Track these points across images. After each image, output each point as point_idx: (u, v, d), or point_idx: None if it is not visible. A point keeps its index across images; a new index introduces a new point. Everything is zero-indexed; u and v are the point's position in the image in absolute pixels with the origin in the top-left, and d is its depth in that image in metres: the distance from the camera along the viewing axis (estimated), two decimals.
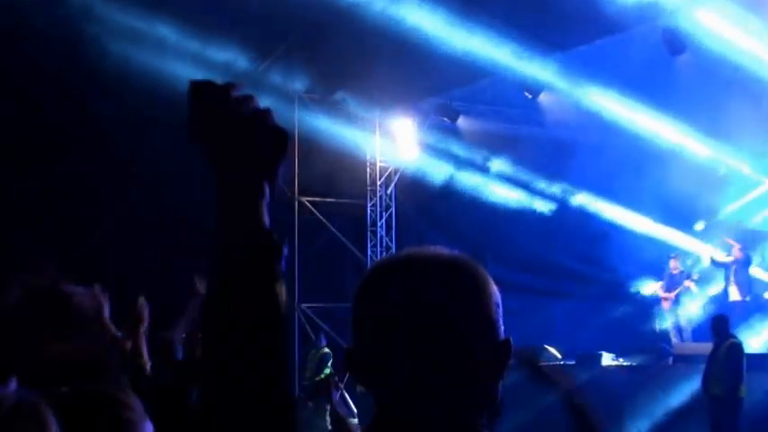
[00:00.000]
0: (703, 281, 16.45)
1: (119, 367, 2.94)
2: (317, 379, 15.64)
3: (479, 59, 14.68)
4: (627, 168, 16.49)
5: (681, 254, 16.59)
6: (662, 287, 16.17)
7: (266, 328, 1.38)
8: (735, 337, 11.76)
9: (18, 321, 2.53)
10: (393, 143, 18.87)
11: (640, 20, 13.59)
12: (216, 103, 1.45)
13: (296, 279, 17.85)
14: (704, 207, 17.32)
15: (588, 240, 17.58)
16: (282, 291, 1.44)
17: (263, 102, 1.54)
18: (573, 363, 14.97)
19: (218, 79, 1.50)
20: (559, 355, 15.68)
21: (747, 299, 15.34)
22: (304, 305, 17.90)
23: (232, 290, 1.40)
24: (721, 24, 14.07)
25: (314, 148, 17.06)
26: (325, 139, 17.17)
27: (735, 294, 15.42)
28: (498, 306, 1.43)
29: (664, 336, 15.90)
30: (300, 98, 17.52)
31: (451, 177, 18.73)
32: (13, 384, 1.76)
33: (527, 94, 17.21)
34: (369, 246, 18.87)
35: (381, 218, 19.12)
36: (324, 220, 18.05)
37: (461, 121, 18.74)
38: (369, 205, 19.05)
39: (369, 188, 19.04)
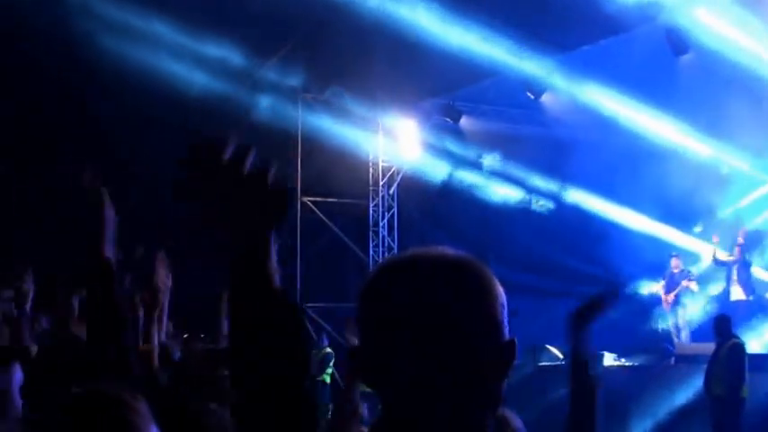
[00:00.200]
0: (704, 280, 16.43)
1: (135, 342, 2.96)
2: (319, 379, 15.64)
3: (482, 60, 14.69)
4: (629, 168, 16.47)
5: (682, 253, 16.57)
6: (663, 287, 16.15)
7: (292, 381, 1.43)
8: (737, 338, 11.74)
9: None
10: (395, 143, 18.88)
11: (642, 20, 13.59)
12: (213, 165, 1.43)
13: (298, 279, 17.86)
14: (706, 207, 17.30)
15: (590, 240, 17.56)
16: (303, 342, 1.47)
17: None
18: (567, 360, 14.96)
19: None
20: (561, 356, 15.67)
21: (750, 298, 15.33)
22: (306, 305, 17.90)
23: (255, 348, 1.43)
24: (722, 24, 14.07)
25: (316, 148, 17.07)
26: (328, 139, 17.19)
27: (738, 294, 15.39)
28: (503, 307, 1.43)
29: (666, 336, 15.88)
30: (303, 98, 17.53)
31: (454, 177, 18.74)
32: (17, 372, 1.77)
33: (529, 94, 17.22)
34: (371, 246, 18.87)
35: (383, 218, 19.12)
36: (326, 220, 18.05)
37: (464, 122, 18.75)
38: (371, 205, 19.05)
39: (371, 188, 19.04)
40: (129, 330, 2.53)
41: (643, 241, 17.31)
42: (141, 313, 3.74)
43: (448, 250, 1.45)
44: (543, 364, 15.21)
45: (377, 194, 19.08)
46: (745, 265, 15.48)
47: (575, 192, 18.49)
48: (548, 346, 15.59)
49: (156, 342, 3.81)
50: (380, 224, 19.07)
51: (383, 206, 19.16)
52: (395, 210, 19.29)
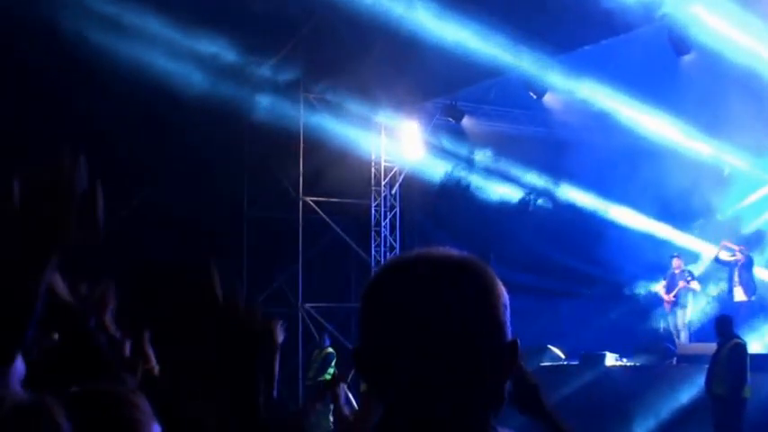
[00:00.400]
0: (705, 281, 16.42)
1: (123, 367, 2.94)
2: (320, 379, 15.63)
3: (483, 60, 14.69)
4: (630, 168, 16.49)
5: (683, 253, 16.56)
6: (664, 287, 16.14)
7: None
8: (739, 338, 11.72)
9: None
10: (398, 143, 18.88)
11: (644, 20, 13.58)
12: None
13: (300, 279, 17.86)
14: (708, 207, 17.30)
15: (592, 241, 17.56)
16: None
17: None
18: (577, 363, 14.98)
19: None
20: (563, 356, 15.68)
21: (753, 298, 15.32)
22: (308, 305, 17.91)
23: None
24: (723, 24, 14.06)
25: (318, 148, 17.07)
26: (330, 139, 17.18)
27: (740, 295, 15.39)
28: (506, 307, 1.43)
29: (667, 336, 15.87)
30: (304, 97, 17.53)
31: (456, 177, 18.74)
32: (20, 365, 1.76)
33: (532, 94, 17.22)
34: (373, 246, 18.86)
35: (386, 218, 19.12)
36: (328, 220, 18.04)
37: (466, 122, 18.76)
38: (373, 205, 19.04)
39: (373, 188, 19.03)
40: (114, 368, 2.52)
41: (644, 241, 17.32)
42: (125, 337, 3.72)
43: (450, 251, 1.45)
44: (545, 364, 15.20)
45: (379, 194, 19.08)
46: (746, 266, 15.47)
47: (576, 191, 18.49)
48: (549, 347, 15.60)
49: (153, 362, 3.79)
50: (382, 224, 19.06)
51: (385, 206, 19.16)
52: (397, 210, 19.29)
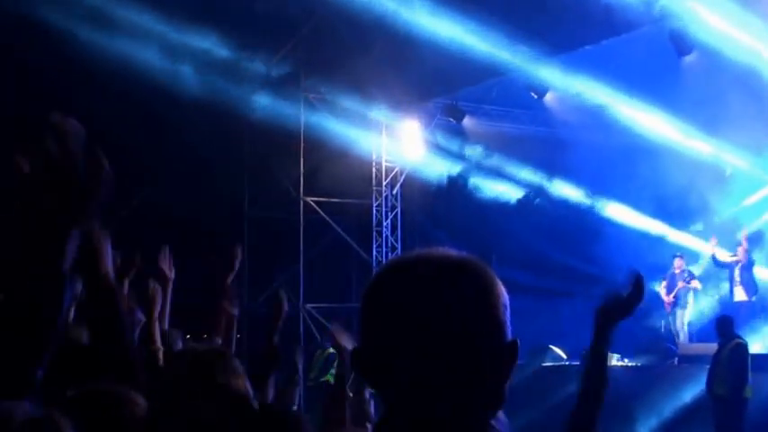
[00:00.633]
0: (706, 281, 16.40)
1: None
2: (322, 380, 15.62)
3: (485, 60, 14.69)
4: (630, 167, 16.49)
5: (685, 253, 16.55)
6: (665, 287, 16.13)
7: None
8: (740, 338, 11.72)
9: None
10: (399, 143, 18.88)
11: (645, 20, 13.58)
12: None
13: (301, 279, 17.85)
14: (708, 206, 17.29)
15: (593, 240, 17.56)
16: None
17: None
18: (578, 363, 14.96)
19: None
20: (565, 356, 15.67)
21: (753, 299, 15.31)
22: (309, 305, 17.90)
23: None
24: (724, 24, 14.05)
25: (319, 148, 17.07)
26: (331, 139, 17.18)
27: (740, 295, 15.38)
28: (506, 307, 1.43)
29: (668, 336, 15.86)
30: (305, 97, 17.53)
31: (457, 177, 18.74)
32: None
33: (533, 94, 17.23)
34: (374, 246, 18.85)
35: (387, 218, 19.12)
36: (329, 220, 18.04)
37: (467, 122, 18.77)
38: (374, 205, 19.04)
39: (374, 188, 19.03)
40: (131, 336, 2.51)
41: (644, 241, 17.31)
42: (141, 315, 3.74)
43: (451, 251, 1.46)
44: (547, 364, 15.20)
45: (380, 194, 19.08)
46: (747, 266, 15.46)
47: (578, 191, 18.49)
48: (551, 347, 15.59)
49: (158, 343, 3.81)
50: (384, 224, 19.06)
51: (386, 206, 19.16)
52: (398, 210, 19.28)
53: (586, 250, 17.58)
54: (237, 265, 4.69)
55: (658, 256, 16.82)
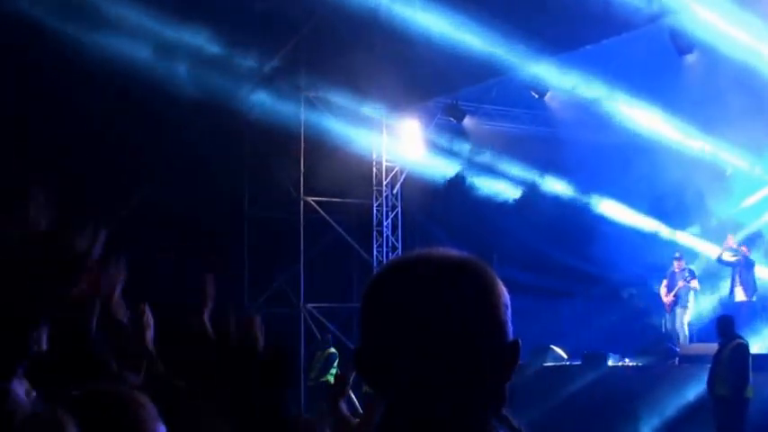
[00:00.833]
0: (706, 281, 16.39)
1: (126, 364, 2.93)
2: (322, 380, 15.63)
3: (485, 60, 14.69)
4: (630, 167, 16.49)
5: (685, 253, 16.55)
6: (665, 287, 16.12)
7: None
8: (741, 338, 11.70)
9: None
10: (399, 143, 18.88)
11: (646, 20, 13.58)
12: None
13: (301, 279, 17.85)
14: (708, 207, 17.29)
15: (594, 240, 17.56)
16: None
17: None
18: (579, 363, 14.97)
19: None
20: (565, 356, 15.67)
21: (753, 299, 15.31)
22: (310, 305, 17.90)
23: None
24: (724, 24, 14.06)
25: (319, 148, 17.07)
26: (331, 139, 17.18)
27: (741, 295, 15.38)
28: (507, 307, 1.43)
29: (669, 336, 15.85)
30: (306, 97, 17.53)
31: (457, 177, 18.74)
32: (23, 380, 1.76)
33: (533, 93, 17.23)
34: (375, 245, 18.86)
35: (387, 218, 19.12)
36: (330, 220, 18.03)
37: (467, 121, 18.77)
38: (375, 205, 19.04)
39: (375, 188, 19.03)
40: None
41: (644, 240, 17.32)
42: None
43: (452, 251, 1.45)
44: (548, 364, 15.21)
45: (380, 194, 19.08)
46: (747, 267, 15.46)
47: (578, 191, 18.49)
48: (552, 347, 15.59)
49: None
50: (384, 224, 19.06)
51: (387, 206, 19.16)
52: (398, 209, 19.29)
53: (587, 250, 17.58)
54: (211, 295, 3.97)
55: (658, 255, 16.83)
